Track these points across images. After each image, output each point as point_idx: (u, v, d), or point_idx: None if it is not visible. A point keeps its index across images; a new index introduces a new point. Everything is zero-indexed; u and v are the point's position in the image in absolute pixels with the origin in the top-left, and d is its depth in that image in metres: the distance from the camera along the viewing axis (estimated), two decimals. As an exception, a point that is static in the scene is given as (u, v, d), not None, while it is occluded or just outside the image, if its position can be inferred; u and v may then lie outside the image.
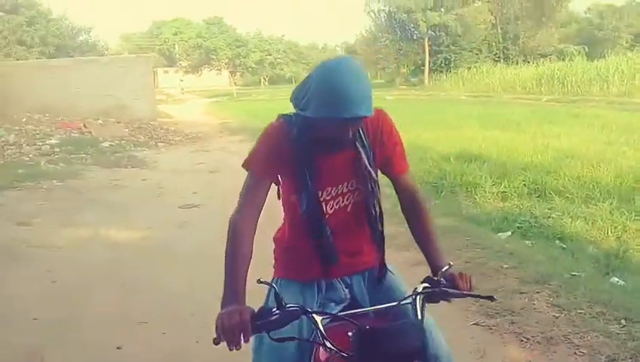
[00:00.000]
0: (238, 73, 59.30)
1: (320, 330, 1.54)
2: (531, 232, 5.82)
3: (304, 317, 1.60)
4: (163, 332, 3.64)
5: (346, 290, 1.93)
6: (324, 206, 1.84)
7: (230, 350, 1.54)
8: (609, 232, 5.71)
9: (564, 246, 5.40)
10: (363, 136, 1.80)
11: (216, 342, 1.53)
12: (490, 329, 3.50)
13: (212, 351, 3.32)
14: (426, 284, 1.67)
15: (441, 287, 1.64)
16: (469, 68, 38.22)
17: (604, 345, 3.15)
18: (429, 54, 43.61)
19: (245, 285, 1.69)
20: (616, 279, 4.37)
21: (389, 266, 1.99)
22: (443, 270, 1.69)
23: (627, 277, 4.48)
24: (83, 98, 17.14)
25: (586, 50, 42.74)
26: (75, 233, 6.21)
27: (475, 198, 7.25)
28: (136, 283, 4.55)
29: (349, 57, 1.79)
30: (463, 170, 8.30)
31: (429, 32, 43.59)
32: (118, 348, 3.42)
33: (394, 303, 1.66)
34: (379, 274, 1.95)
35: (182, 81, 52.93)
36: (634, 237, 5.55)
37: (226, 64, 53.66)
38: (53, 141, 13.52)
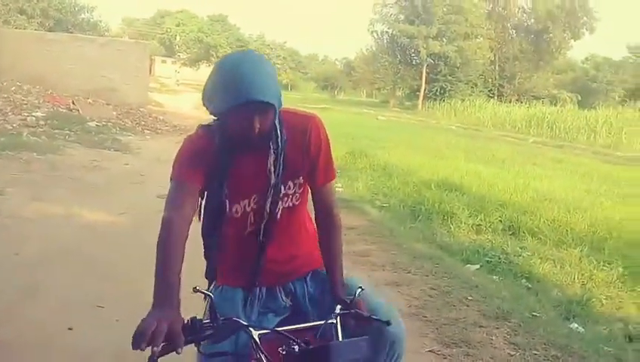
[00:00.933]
0: (236, 73, 59.08)
1: (257, 346, 1.50)
2: (500, 268, 5.87)
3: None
4: (117, 319, 3.59)
5: (287, 299, 1.90)
6: (250, 217, 1.80)
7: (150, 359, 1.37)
8: (575, 278, 5.78)
9: (530, 285, 5.45)
10: (279, 140, 1.72)
11: (135, 346, 1.37)
12: (445, 358, 3.50)
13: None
14: (341, 307, 1.67)
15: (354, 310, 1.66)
16: (463, 100, 38.64)
17: (554, 388, 3.18)
18: (426, 81, 44.04)
19: (178, 289, 1.60)
20: (576, 325, 4.41)
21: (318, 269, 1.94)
22: (356, 294, 1.70)
23: (587, 325, 4.53)
24: (75, 75, 16.99)
25: (579, 98, 43.58)
26: (47, 208, 6.13)
27: (451, 227, 7.31)
28: (99, 266, 4.50)
29: (251, 50, 1.79)
30: (442, 198, 8.37)
31: (429, 59, 44.06)
32: (69, 328, 3.37)
33: (321, 322, 1.64)
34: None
35: (178, 72, 52.79)
36: (599, 285, 5.62)
37: (224, 62, 53.59)
38: (39, 113, 13.35)
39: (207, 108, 1.72)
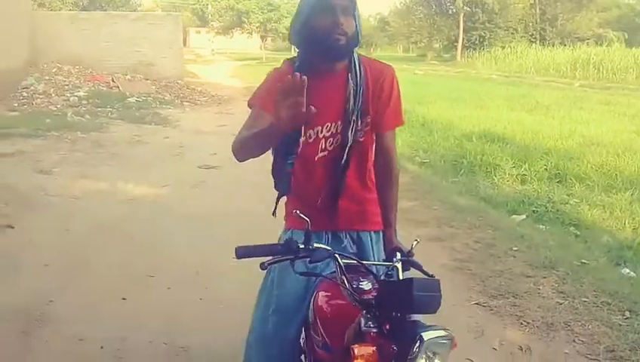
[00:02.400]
0: (269, 38, 58.88)
1: (342, 271, 1.58)
2: (546, 217, 5.75)
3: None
4: (168, 287, 3.71)
5: (353, 246, 1.97)
6: (321, 143, 1.88)
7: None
8: (626, 223, 5.61)
9: (578, 233, 5.32)
10: (357, 74, 1.84)
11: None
12: (492, 309, 3.49)
13: (215, 311, 3.41)
14: (400, 255, 1.71)
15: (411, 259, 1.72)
16: (503, 47, 37.33)
17: (605, 335, 3.13)
18: (464, 30, 42.62)
19: None
20: (627, 270, 4.31)
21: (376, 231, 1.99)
22: (413, 245, 1.74)
23: (639, 269, 4.41)
24: (112, 52, 17.19)
25: (626, 37, 41.46)
26: (93, 185, 6.32)
27: (494, 179, 7.17)
28: (146, 238, 4.62)
29: None
30: (485, 150, 8.21)
31: (465, 7, 42.48)
32: (123, 299, 3.50)
33: (388, 263, 1.72)
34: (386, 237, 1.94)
35: (212, 42, 52.79)
36: (651, 230, 5.45)
37: (257, 28, 53.17)
38: (81, 93, 13.67)
39: (291, 41, 1.93)
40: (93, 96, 13.47)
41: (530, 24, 44.46)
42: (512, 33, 43.13)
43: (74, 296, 3.54)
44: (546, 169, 7.43)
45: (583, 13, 44.53)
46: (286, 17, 53.17)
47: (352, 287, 1.59)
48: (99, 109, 12.10)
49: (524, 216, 5.63)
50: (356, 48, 1.86)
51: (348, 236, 1.97)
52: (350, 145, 1.85)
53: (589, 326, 3.22)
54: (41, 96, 12.76)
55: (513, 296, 3.62)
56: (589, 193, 6.57)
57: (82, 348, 2.96)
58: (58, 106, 12.06)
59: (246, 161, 1.84)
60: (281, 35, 55.56)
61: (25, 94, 12.84)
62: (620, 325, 3.22)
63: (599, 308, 3.45)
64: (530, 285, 3.79)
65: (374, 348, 1.44)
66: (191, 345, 3.01)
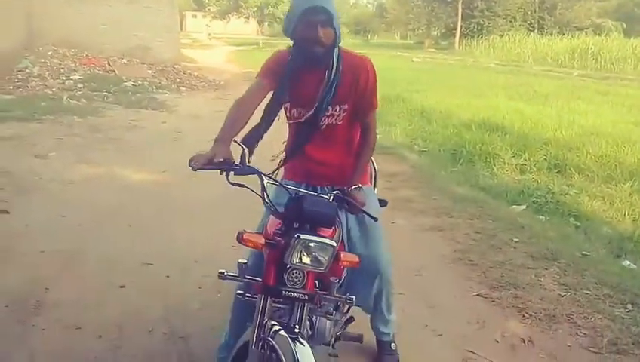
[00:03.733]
0: (266, 23, 58.47)
1: (264, 189, 2.01)
2: (546, 208, 5.73)
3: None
4: (167, 275, 3.67)
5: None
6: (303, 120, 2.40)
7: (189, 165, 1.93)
8: (626, 214, 5.60)
9: (579, 224, 5.30)
10: (334, 70, 2.30)
11: (190, 164, 1.94)
12: (493, 301, 3.46)
13: (214, 299, 3.37)
14: (338, 191, 2.19)
15: (346, 197, 2.16)
16: (502, 35, 37.17)
17: (607, 328, 3.11)
18: (462, 18, 42.41)
19: (235, 134, 2.14)
20: (628, 262, 4.29)
21: (362, 186, 2.35)
22: (352, 187, 2.23)
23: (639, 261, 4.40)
24: (108, 36, 16.99)
25: (624, 26, 41.33)
26: (89, 170, 6.25)
27: (493, 169, 7.14)
28: (144, 225, 4.57)
29: None
30: (484, 140, 8.16)
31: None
32: (121, 286, 3.46)
33: (316, 194, 2.15)
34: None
35: (209, 26, 52.41)
36: (652, 222, 5.44)
37: (254, 12, 52.75)
38: (76, 77, 13.52)
39: (285, 33, 2.29)
40: (88, 79, 13.33)
41: (529, 12, 44.32)
42: (511, 22, 42.99)
43: (71, 283, 3.50)
44: (545, 159, 7.40)
45: (582, 2, 44.44)
46: (284, 2, 52.66)
47: (272, 203, 2.04)
48: (95, 93, 11.97)
49: (524, 207, 5.61)
50: (336, 50, 2.32)
51: (319, 189, 2.42)
52: (320, 125, 2.38)
53: (592, 319, 3.20)
54: (36, 79, 12.60)
55: (515, 288, 3.59)
56: (589, 184, 6.55)
57: (79, 336, 2.92)
58: (53, 90, 11.91)
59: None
60: (278, 20, 55.11)
61: (20, 77, 12.66)
62: (623, 318, 3.20)
63: (601, 300, 3.43)
64: (531, 276, 3.76)
65: (264, 239, 1.93)
66: (190, 334, 2.97)
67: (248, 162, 2.04)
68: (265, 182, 2.03)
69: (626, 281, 3.68)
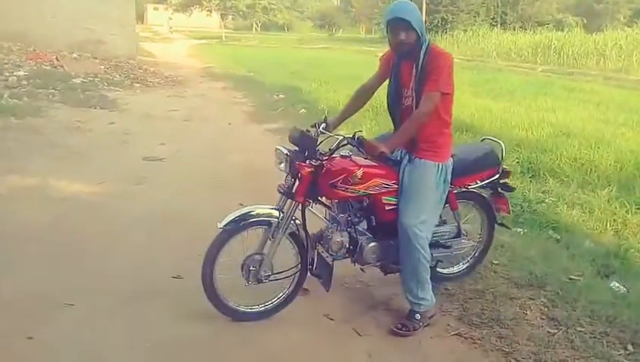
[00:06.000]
0: (230, 16, 57.42)
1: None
2: (523, 218, 5.29)
3: None
4: (88, 317, 3.07)
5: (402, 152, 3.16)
6: (402, 100, 3.12)
7: None
8: (607, 225, 5.21)
9: (559, 237, 4.88)
10: (421, 60, 2.95)
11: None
12: (474, 342, 2.99)
13: (142, 350, 2.82)
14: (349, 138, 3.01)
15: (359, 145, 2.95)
16: (466, 30, 37.10)
17: (608, 377, 2.66)
18: (426, 13, 42.12)
19: (338, 121, 3.37)
20: (617, 284, 3.87)
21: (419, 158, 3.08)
22: (357, 134, 3.00)
23: (628, 281, 3.99)
24: (58, 29, 16.01)
25: (584, 22, 41.85)
26: (22, 181, 5.56)
27: (464, 174, 6.68)
28: (70, 251, 3.94)
29: None
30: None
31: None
32: (29, 338, 2.84)
33: (340, 138, 3.10)
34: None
35: (171, 19, 51.10)
36: (635, 233, 5.06)
37: (217, 5, 51.63)
38: (21, 73, 12.56)
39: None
40: (34, 76, 12.39)
41: (492, 8, 44.45)
42: (474, 17, 43.04)
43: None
44: (518, 162, 6.99)
45: (544, -3, 44.72)
46: (246, -5, 51.87)
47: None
48: (39, 91, 11.08)
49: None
50: (425, 43, 2.97)
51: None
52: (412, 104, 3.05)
53: (589, 366, 2.75)
54: (-25, 76, 11.68)
55: (498, 325, 3.13)
56: (565, 190, 6.16)
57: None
58: (-6, 87, 11.03)
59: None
60: (241, 13, 54.21)
61: (-43, 74, 11.74)
62: (624, 363, 2.77)
63: (597, 340, 2.99)
64: (516, 309, 3.31)
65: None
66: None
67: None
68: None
69: (621, 312, 3.25)
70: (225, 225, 2.90)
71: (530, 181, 6.48)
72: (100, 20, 16.71)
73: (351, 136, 2.97)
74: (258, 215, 2.99)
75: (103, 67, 14.96)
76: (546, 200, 5.80)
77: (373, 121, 9.49)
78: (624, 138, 8.71)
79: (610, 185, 6.22)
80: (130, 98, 11.56)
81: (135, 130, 8.27)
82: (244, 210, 2.98)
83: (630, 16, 45.23)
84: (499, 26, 41.08)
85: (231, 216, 2.93)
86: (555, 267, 3.94)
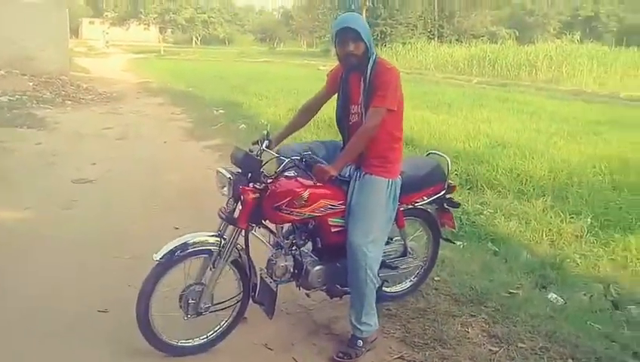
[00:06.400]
0: (169, 30, 56.61)
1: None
2: (463, 231, 5.31)
3: None
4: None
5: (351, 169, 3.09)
6: (349, 116, 3.06)
7: None
8: (543, 235, 5.30)
9: (497, 249, 4.93)
10: (369, 74, 2.93)
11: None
12: (418, 365, 2.92)
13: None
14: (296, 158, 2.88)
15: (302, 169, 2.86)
16: (404, 43, 37.89)
17: (550, 394, 2.64)
18: (366, 26, 42.82)
19: (281, 137, 3.30)
20: (555, 296, 3.91)
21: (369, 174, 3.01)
22: (305, 155, 2.87)
23: (565, 292, 4.04)
24: (-17, 45, 15.24)
25: (517, 34, 43.54)
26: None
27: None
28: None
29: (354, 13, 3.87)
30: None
31: (368, 3, 42.81)
32: None
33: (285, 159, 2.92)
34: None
35: (107, 33, 49.83)
36: (569, 242, 5.16)
37: (155, 19, 50.79)
38: (-59, 92, 11.90)
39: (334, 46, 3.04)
40: (-44, 95, 11.76)
41: (429, 21, 45.55)
42: (412, 30, 44.01)
43: None
44: (457, 174, 7.06)
45: (478, 10, 46.24)
46: (185, 8, 51.23)
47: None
48: (-38, 111, 10.50)
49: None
50: (372, 56, 2.96)
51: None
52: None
53: (531, 384, 2.73)
54: None
55: (441, 345, 3.07)
56: (502, 201, 6.25)
57: None
58: None
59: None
60: (180, 26, 53.50)
61: None
62: (565, 380, 2.75)
63: (539, 356, 2.97)
64: (458, 327, 3.26)
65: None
66: None
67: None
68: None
69: (560, 326, 3.27)
70: (161, 258, 2.70)
71: (469, 193, 6.55)
72: (30, 35, 15.96)
73: (298, 158, 2.84)
74: (197, 244, 2.80)
75: (32, 84, 14.36)
76: (484, 212, 5.86)
77: (315, 135, 9.42)
78: (556, 147, 8.99)
79: (544, 195, 6.37)
80: (60, 116, 11.07)
81: (64, 150, 7.89)
82: (182, 240, 2.77)
83: (560, 28, 47.41)
84: (436, 39, 42.21)
85: (167, 247, 2.73)
86: (494, 281, 3.95)
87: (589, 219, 5.60)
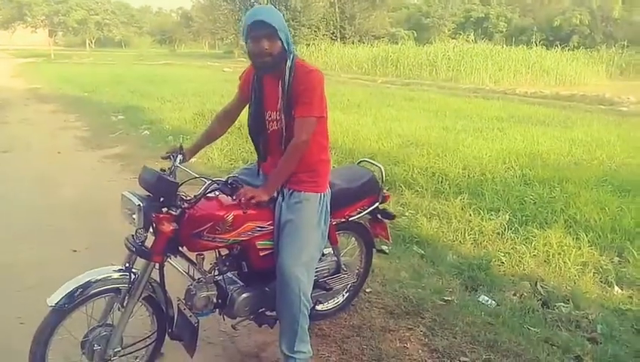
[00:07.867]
0: (60, 32, 53.53)
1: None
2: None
3: None
4: None
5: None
6: (266, 124, 2.69)
7: None
8: (466, 234, 5.25)
9: (423, 252, 4.80)
10: (287, 77, 2.57)
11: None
12: (359, 391, 2.66)
13: None
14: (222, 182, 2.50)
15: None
16: (308, 45, 38.02)
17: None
18: (269, 28, 42.56)
19: (198, 145, 2.96)
20: (486, 298, 3.81)
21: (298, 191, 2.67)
22: (230, 180, 2.49)
23: (495, 293, 3.96)
24: None
25: (415, 35, 45.03)
26: None
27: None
28: None
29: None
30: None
31: (269, 5, 42.54)
32: None
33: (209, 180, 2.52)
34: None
35: (-10, 37, 46.29)
36: (491, 240, 5.13)
37: (42, 22, 47.78)
38: None
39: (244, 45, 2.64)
40: None
41: (331, 22, 46.04)
42: (315, 31, 44.25)
43: None
44: (374, 176, 6.93)
45: (377, 12, 47.33)
46: (75, 10, 48.59)
47: None
48: None
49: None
50: (290, 56, 2.61)
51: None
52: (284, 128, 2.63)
53: (480, 401, 2.55)
54: None
55: (381, 364, 2.83)
56: (421, 201, 6.18)
57: None
58: None
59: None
60: (71, 29, 50.70)
61: None
62: (513, 393, 2.60)
63: (483, 368, 2.81)
64: (396, 344, 3.04)
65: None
66: None
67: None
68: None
69: (500, 334, 3.14)
70: (56, 303, 2.22)
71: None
72: None
73: (223, 180, 2.47)
74: (101, 283, 2.35)
75: None
76: (406, 213, 5.75)
77: (225, 141, 9.02)
78: (465, 144, 9.12)
79: (461, 193, 6.36)
80: None
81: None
82: (83, 279, 2.31)
83: (454, 29, 49.50)
84: (339, 40, 42.70)
85: (65, 289, 2.26)
86: (426, 287, 3.79)
87: (507, 216, 5.63)
